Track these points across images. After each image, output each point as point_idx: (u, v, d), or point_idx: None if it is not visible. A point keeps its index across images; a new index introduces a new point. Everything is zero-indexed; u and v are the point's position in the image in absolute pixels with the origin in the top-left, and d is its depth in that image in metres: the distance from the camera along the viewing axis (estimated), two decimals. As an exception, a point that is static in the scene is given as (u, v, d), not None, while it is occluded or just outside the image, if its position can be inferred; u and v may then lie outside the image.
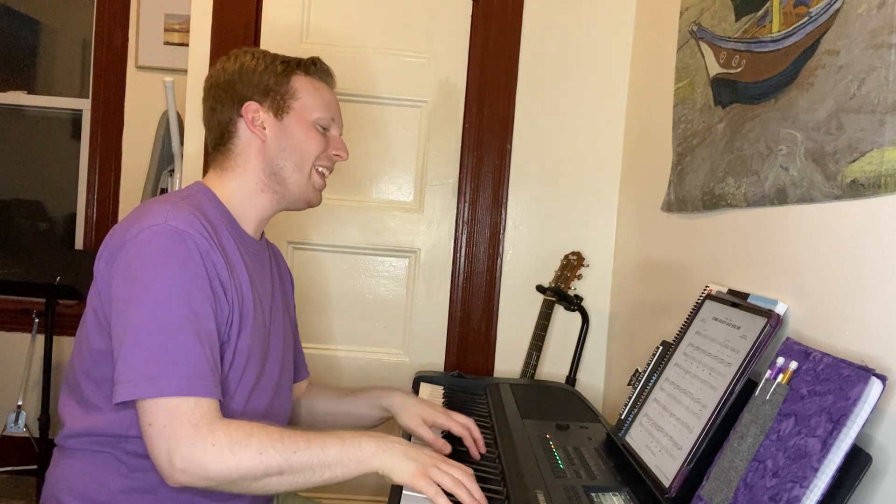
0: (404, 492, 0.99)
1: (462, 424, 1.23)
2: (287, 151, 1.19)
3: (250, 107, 1.18)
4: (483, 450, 1.22)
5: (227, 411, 1.06)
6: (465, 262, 2.09)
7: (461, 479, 0.98)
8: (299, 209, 1.25)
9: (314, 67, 1.24)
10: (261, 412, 1.14)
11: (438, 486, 0.96)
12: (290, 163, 1.19)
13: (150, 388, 0.95)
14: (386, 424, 1.37)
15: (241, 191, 1.19)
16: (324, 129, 1.22)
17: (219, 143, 1.21)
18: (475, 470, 1.09)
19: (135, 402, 0.97)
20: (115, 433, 1.04)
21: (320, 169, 1.22)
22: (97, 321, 1.05)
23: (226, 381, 1.07)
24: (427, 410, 1.27)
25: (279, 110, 1.19)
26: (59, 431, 1.10)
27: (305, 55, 1.25)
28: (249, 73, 1.19)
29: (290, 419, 1.39)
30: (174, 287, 0.99)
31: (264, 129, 1.18)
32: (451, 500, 0.97)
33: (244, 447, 0.95)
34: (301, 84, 1.21)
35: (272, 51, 1.25)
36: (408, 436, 1.28)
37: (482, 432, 1.26)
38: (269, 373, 1.17)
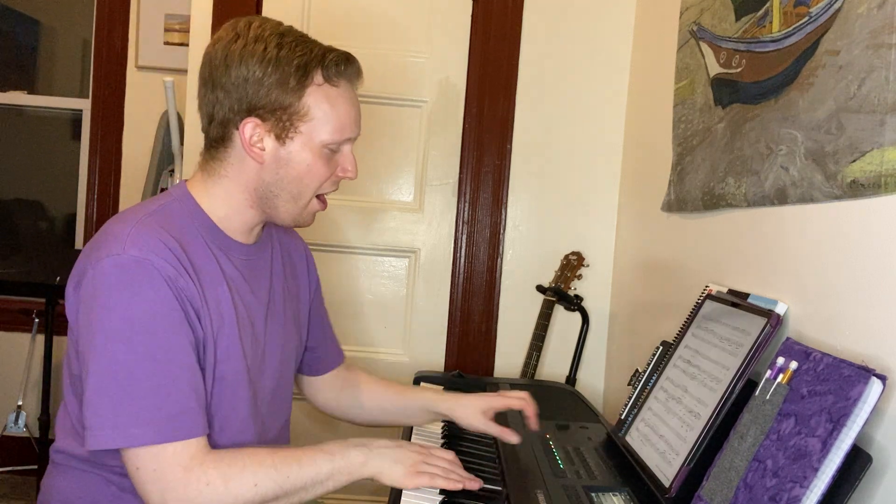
0: (404, 490, 1.00)
1: (520, 398, 1.25)
2: (284, 181, 1.04)
3: (250, 124, 1.01)
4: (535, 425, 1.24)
5: (218, 436, 1.04)
6: (465, 262, 2.09)
7: (447, 467, 1.03)
8: (286, 226, 1.15)
9: (337, 70, 1.02)
10: (257, 432, 1.11)
11: (430, 474, 1.01)
12: (285, 192, 1.05)
13: (125, 437, 0.91)
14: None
15: (228, 203, 1.07)
16: (333, 150, 1.06)
17: (211, 145, 1.07)
18: (475, 470, 1.09)
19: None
20: (98, 460, 1.01)
21: (324, 192, 1.09)
22: (73, 347, 1.00)
23: (215, 408, 1.03)
24: (482, 402, 1.25)
25: (283, 133, 1.02)
26: (53, 442, 1.07)
27: None
28: (257, 78, 0.99)
29: (332, 411, 1.37)
30: (136, 325, 0.92)
31: (263, 149, 1.02)
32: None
33: (239, 482, 0.94)
34: (316, 99, 1.01)
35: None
36: (408, 432, 1.29)
37: (482, 433, 1.27)
38: (262, 393, 1.12)
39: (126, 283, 0.93)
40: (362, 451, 1.01)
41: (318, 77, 1.02)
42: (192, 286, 0.97)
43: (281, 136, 1.02)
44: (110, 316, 0.92)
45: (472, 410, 1.23)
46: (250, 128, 1.01)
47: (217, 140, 1.05)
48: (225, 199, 1.07)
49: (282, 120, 1.01)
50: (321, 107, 1.02)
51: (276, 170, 1.04)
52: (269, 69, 0.99)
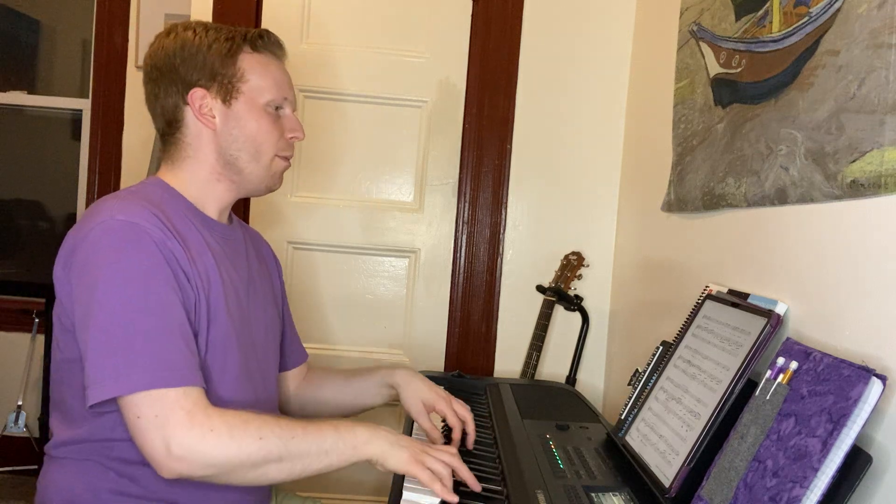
0: (406, 484, 1.00)
1: (458, 416, 1.24)
2: (240, 141, 1.13)
3: (196, 94, 1.11)
4: (470, 446, 1.24)
5: (214, 402, 1.03)
6: (465, 262, 2.09)
7: (451, 462, 1.03)
8: (260, 195, 1.22)
9: (261, 41, 1.15)
10: (250, 401, 1.11)
11: (431, 471, 1.00)
12: (244, 153, 1.13)
13: (126, 383, 0.91)
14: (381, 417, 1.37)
15: (197, 180, 1.14)
16: (276, 108, 1.16)
17: (167, 133, 1.15)
18: (475, 471, 1.09)
19: (115, 403, 0.94)
20: (99, 439, 1.01)
21: (282, 154, 1.17)
22: (62, 329, 1.02)
23: (207, 372, 1.04)
24: (428, 393, 1.27)
25: (227, 95, 1.12)
26: (48, 441, 1.08)
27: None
28: (193, 54, 1.11)
29: (290, 410, 1.39)
30: (130, 280, 0.95)
31: (213, 116, 1.12)
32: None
33: (243, 431, 0.93)
34: (248, 63, 1.13)
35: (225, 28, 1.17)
36: (409, 425, 1.29)
37: (482, 432, 1.28)
38: (252, 361, 1.14)
39: (117, 244, 0.97)
40: (368, 429, 1.02)
41: (246, 47, 1.14)
42: (180, 248, 1.02)
43: (226, 99, 1.12)
44: (105, 274, 0.95)
45: (418, 397, 1.28)
46: (199, 96, 1.11)
47: (171, 123, 1.14)
48: (193, 178, 1.14)
49: (223, 84, 1.12)
50: (255, 70, 1.14)
51: (230, 131, 1.13)
52: (202, 46, 1.11)
